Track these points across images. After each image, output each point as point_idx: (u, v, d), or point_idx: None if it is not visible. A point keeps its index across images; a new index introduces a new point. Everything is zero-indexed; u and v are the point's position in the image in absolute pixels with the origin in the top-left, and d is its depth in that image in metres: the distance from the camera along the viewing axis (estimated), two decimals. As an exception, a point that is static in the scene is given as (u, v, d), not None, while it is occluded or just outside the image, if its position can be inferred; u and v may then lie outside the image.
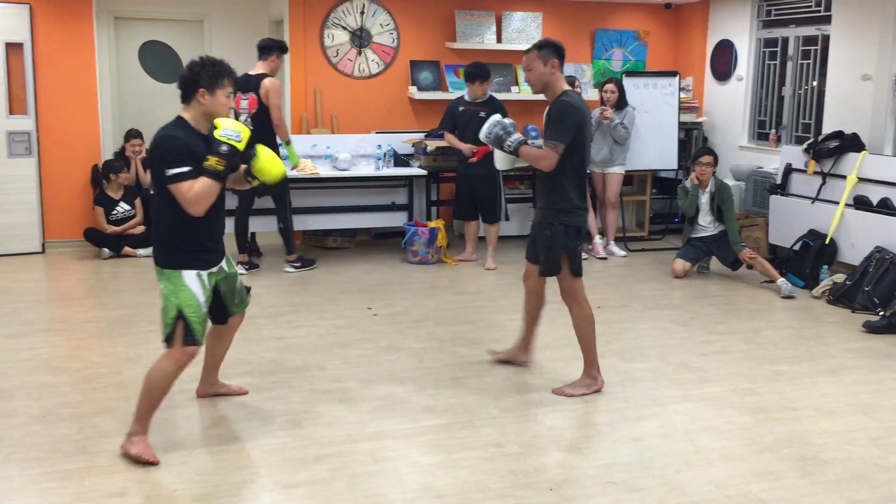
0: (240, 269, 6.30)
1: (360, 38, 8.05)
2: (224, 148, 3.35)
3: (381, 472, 3.40)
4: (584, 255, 7.44)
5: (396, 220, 7.60)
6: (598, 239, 7.64)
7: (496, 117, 4.26)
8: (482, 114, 6.70)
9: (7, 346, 4.91)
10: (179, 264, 3.43)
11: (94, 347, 4.95)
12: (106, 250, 7.23)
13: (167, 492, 3.22)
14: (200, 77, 3.43)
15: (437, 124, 7.93)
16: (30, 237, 7.27)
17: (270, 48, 6.60)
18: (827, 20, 7.38)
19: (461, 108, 6.91)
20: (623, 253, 7.70)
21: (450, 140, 7.02)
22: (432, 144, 7.43)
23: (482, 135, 4.25)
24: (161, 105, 8.40)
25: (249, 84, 6.43)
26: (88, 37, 7.44)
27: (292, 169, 6.69)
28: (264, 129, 6.35)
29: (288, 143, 6.61)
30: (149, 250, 7.32)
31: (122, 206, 7.38)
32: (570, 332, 5.29)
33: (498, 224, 7.17)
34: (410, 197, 7.57)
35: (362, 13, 8.01)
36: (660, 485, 3.34)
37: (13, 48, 7.10)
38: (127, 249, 7.27)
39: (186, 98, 3.45)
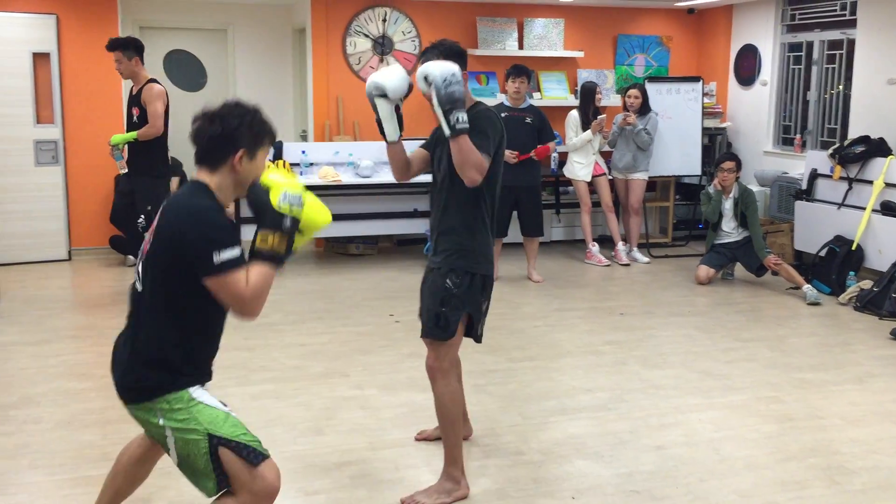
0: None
1: (382, 46, 8.08)
2: (288, 222, 2.40)
3: (403, 480, 3.40)
4: (606, 262, 7.45)
5: (419, 226, 7.61)
6: (620, 245, 7.60)
7: (455, 68, 3.01)
8: (528, 120, 6.67)
9: (33, 352, 4.97)
10: (178, 384, 2.41)
11: (118, 354, 4.99)
12: (131, 258, 7.30)
13: (190, 498, 3.24)
14: (241, 135, 2.41)
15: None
16: (56, 245, 7.36)
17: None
18: (852, 24, 7.31)
19: (504, 115, 6.70)
20: (646, 259, 7.66)
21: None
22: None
23: (433, 70, 2.98)
24: (185, 114, 8.44)
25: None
26: (114, 46, 7.52)
27: (111, 145, 6.07)
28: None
29: (132, 135, 6.00)
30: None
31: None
32: (592, 339, 5.29)
33: (540, 237, 7.03)
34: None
35: (384, 21, 8.04)
36: (683, 494, 3.31)
37: (40, 58, 7.20)
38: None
39: (214, 160, 2.41)
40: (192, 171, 2.49)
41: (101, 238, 7.53)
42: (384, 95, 3.15)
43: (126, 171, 6.01)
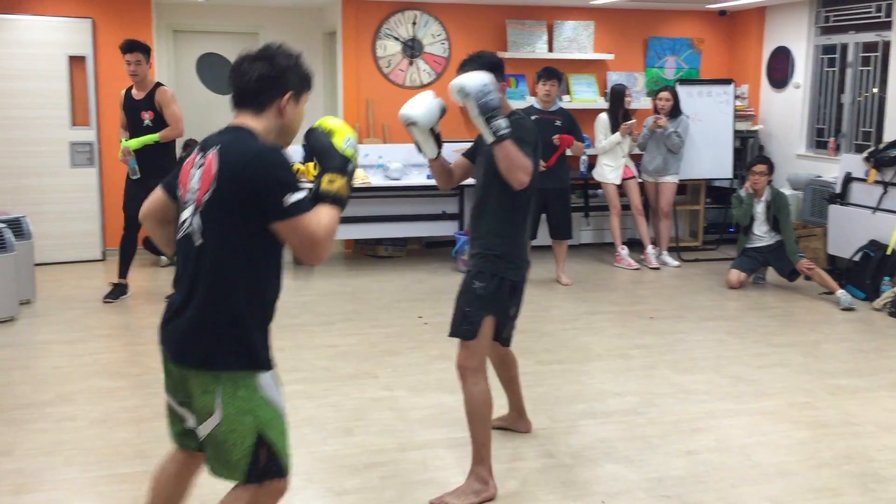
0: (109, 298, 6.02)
1: (412, 49, 8.11)
2: (351, 166, 2.34)
3: (432, 481, 3.41)
4: (636, 265, 7.41)
5: (447, 229, 7.62)
6: (650, 249, 7.55)
7: (489, 77, 3.10)
8: (557, 122, 6.67)
9: (69, 351, 5.05)
10: (254, 363, 2.26)
11: (152, 353, 5.05)
12: (164, 258, 7.39)
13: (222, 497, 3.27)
14: (290, 77, 2.32)
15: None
16: (91, 245, 7.47)
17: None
18: (887, 26, 7.21)
19: (534, 118, 6.58)
20: (676, 263, 7.61)
21: None
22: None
23: (468, 82, 3.04)
24: (218, 115, 8.55)
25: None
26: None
27: (121, 153, 6.15)
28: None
29: (154, 137, 6.08)
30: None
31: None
32: (621, 343, 5.26)
33: (569, 240, 7.02)
34: (461, 206, 7.59)
35: (414, 24, 8.07)
36: (715, 500, 3.29)
37: (76, 61, 7.32)
38: (183, 257, 7.41)
39: (260, 102, 2.30)
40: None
41: (134, 239, 7.63)
42: (415, 124, 3.22)
43: (138, 176, 6.04)
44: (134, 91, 6.09)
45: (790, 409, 4.23)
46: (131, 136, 6.05)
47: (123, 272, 6.28)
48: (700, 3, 8.47)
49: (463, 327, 3.27)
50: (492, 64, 3.26)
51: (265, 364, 2.28)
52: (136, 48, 6.01)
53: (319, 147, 2.35)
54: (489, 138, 3.06)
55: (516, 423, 3.89)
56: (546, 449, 3.72)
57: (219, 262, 2.21)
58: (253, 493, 2.29)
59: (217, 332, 2.22)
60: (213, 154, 2.23)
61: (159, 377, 4.54)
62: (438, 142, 3.35)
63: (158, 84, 6.11)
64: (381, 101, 8.05)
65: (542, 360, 4.92)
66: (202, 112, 8.59)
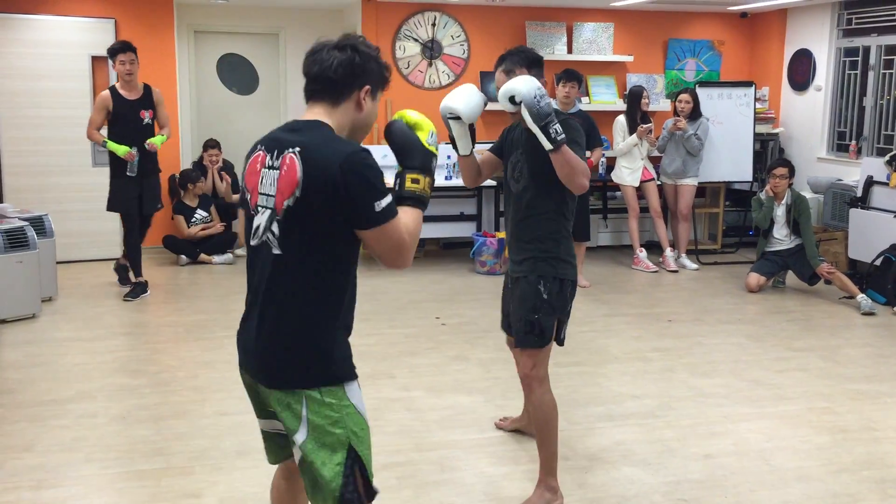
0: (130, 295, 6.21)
1: (431, 50, 8.13)
2: (435, 163, 2.20)
3: (449, 482, 3.41)
4: (654, 268, 7.38)
5: (465, 230, 7.63)
6: (669, 251, 7.52)
7: (538, 82, 2.99)
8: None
9: (89, 348, 5.10)
10: (342, 374, 2.11)
11: (171, 351, 5.09)
12: (183, 257, 7.45)
13: (240, 494, 3.29)
14: (372, 69, 2.14)
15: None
16: (112, 243, 7.53)
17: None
18: (912, 28, 7.15)
19: None
20: (695, 266, 7.57)
21: None
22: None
23: (520, 88, 2.92)
24: (237, 116, 8.63)
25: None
26: (170, 50, 7.70)
27: (147, 147, 6.19)
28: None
29: (164, 134, 6.34)
30: (224, 257, 7.54)
31: (200, 213, 7.60)
32: (639, 345, 5.24)
33: (587, 242, 7.01)
34: (479, 207, 7.59)
35: (433, 25, 8.08)
36: (732, 504, 3.27)
37: (99, 61, 7.38)
38: (203, 256, 7.47)
39: (339, 93, 2.11)
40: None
41: (154, 237, 7.67)
42: (458, 118, 3.10)
43: (135, 173, 6.16)
44: (124, 91, 6.16)
45: (809, 414, 4.20)
46: (128, 136, 6.10)
47: (137, 271, 6.38)
48: (721, 5, 8.43)
49: (533, 336, 3.17)
50: (533, 60, 3.18)
51: (347, 374, 2.12)
52: (130, 48, 6.14)
53: (402, 142, 2.16)
54: (548, 146, 2.94)
55: (531, 425, 3.78)
56: (562, 451, 3.71)
57: (299, 273, 2.04)
58: None
59: (300, 351, 2.06)
60: (292, 156, 2.01)
61: (177, 375, 4.62)
62: (473, 139, 3.25)
63: (146, 84, 6.28)
64: (400, 103, 8.05)
65: (560, 363, 4.90)
66: (222, 112, 8.65)
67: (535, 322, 3.16)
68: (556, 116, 3.02)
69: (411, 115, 2.22)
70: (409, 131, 2.18)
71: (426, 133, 2.18)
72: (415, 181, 2.13)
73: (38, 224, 6.13)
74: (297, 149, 2.02)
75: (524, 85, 2.91)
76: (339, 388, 2.08)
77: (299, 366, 2.06)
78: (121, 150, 6.05)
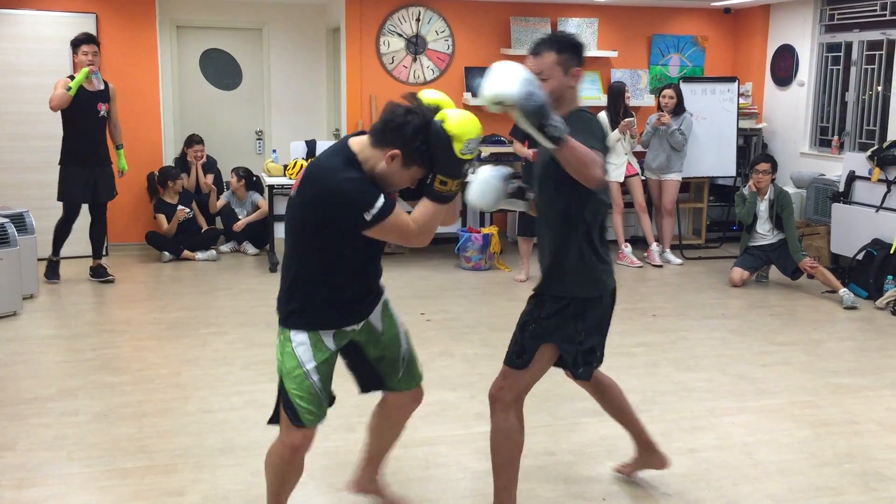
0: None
1: (416, 45, 8.11)
2: (469, 169, 2.49)
3: (434, 478, 3.41)
4: (639, 263, 7.41)
5: (450, 226, 7.60)
6: (654, 246, 7.55)
7: (523, 69, 2.54)
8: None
9: (71, 346, 5.06)
10: (293, 323, 2.64)
11: (154, 349, 5.06)
12: (166, 253, 7.40)
13: (223, 492, 3.28)
14: (408, 140, 2.41)
15: (491, 131, 7.94)
16: (94, 240, 7.46)
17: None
18: (892, 24, 7.19)
19: None
20: (679, 261, 7.60)
21: (518, 150, 6.78)
22: (487, 151, 7.43)
23: (503, 90, 2.45)
24: (221, 111, 8.57)
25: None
26: (152, 45, 7.64)
27: (119, 175, 6.70)
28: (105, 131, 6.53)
29: (119, 147, 6.67)
30: (207, 254, 7.50)
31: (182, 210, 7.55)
32: (624, 340, 5.26)
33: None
34: (464, 203, 7.56)
35: (418, 20, 8.06)
36: (716, 498, 3.29)
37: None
38: (186, 253, 7.43)
39: (379, 140, 2.46)
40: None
41: (138, 234, 7.65)
42: (513, 106, 2.46)
43: (101, 83, 6.38)
44: (83, 82, 6.26)
45: (792, 408, 4.23)
46: (82, 126, 6.30)
47: (98, 254, 6.70)
48: (705, 1, 8.45)
49: (512, 354, 2.91)
50: (564, 44, 2.80)
51: (299, 324, 2.62)
52: (93, 40, 6.35)
53: (438, 149, 2.41)
54: (548, 144, 2.49)
55: (649, 460, 3.36)
56: (547, 447, 3.72)
57: (298, 250, 2.59)
58: (279, 434, 2.71)
59: (281, 296, 2.66)
60: (307, 171, 2.56)
61: (160, 373, 4.59)
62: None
63: (104, 79, 6.46)
64: (385, 98, 7.92)
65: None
66: (205, 108, 8.59)
67: (516, 341, 2.91)
68: (579, 113, 2.78)
69: (451, 122, 2.40)
70: (445, 138, 2.38)
71: (462, 143, 2.39)
72: (443, 183, 2.46)
73: (19, 221, 6.08)
74: (311, 165, 2.58)
75: (507, 83, 2.44)
76: (287, 332, 2.64)
77: (279, 306, 2.68)
78: (82, 73, 6.17)
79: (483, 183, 2.98)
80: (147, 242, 7.50)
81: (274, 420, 2.74)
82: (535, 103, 2.44)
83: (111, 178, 6.58)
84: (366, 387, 2.95)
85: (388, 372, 2.87)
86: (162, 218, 7.46)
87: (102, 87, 6.37)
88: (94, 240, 6.70)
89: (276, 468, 2.73)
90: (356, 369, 2.91)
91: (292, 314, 2.63)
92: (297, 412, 2.63)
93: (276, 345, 2.70)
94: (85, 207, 6.62)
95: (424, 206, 2.49)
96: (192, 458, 3.54)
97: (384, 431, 3.03)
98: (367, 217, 2.39)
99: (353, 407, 4.12)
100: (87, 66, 6.21)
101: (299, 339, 2.62)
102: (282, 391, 2.66)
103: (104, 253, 6.91)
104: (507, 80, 2.48)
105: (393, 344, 2.84)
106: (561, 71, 2.81)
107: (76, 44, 6.31)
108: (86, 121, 6.32)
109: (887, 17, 7.28)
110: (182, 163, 7.87)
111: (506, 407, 2.87)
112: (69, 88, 6.15)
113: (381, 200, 2.40)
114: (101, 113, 6.37)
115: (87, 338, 5.22)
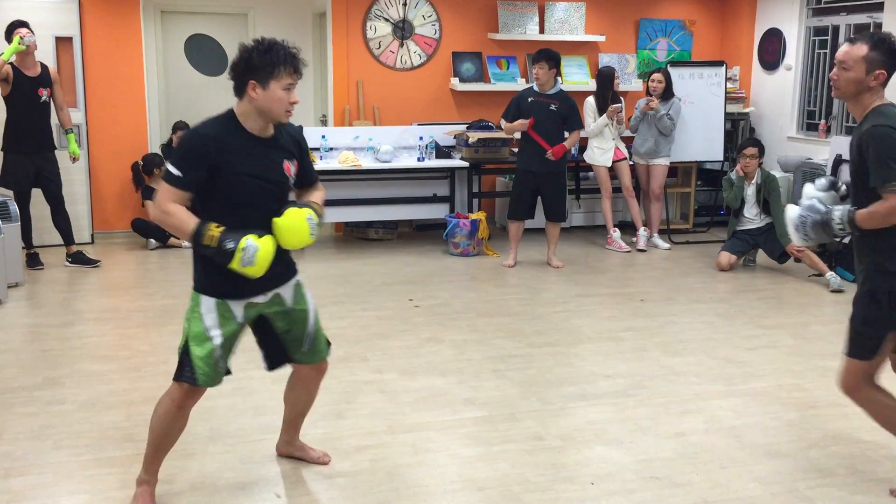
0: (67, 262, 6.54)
1: (403, 30, 8.06)
2: (229, 251, 2.73)
3: (422, 464, 3.41)
4: (627, 248, 7.41)
5: (438, 211, 7.60)
6: (641, 231, 7.56)
7: (794, 211, 3.14)
8: (553, 107, 6.56)
9: (57, 334, 5.02)
10: (201, 286, 2.90)
11: (141, 336, 5.04)
12: (153, 241, 7.35)
13: (212, 480, 3.27)
14: (251, 65, 2.80)
15: (479, 116, 7.92)
16: (79, 228, 7.39)
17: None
18: (879, 7, 7.19)
19: (530, 100, 6.53)
20: (667, 245, 7.61)
21: (508, 128, 6.66)
22: (474, 136, 7.41)
23: (795, 235, 3.17)
24: (206, 97, 8.51)
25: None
26: (136, 30, 7.55)
27: (72, 161, 6.68)
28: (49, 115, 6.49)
29: (69, 131, 6.60)
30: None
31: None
32: (612, 325, 5.27)
33: (562, 223, 7.00)
34: (452, 189, 7.57)
35: (405, 5, 8.01)
36: (703, 480, 3.30)
37: (63, 42, 7.23)
38: (173, 240, 7.38)
39: (238, 90, 2.85)
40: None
41: (124, 221, 7.59)
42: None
43: (27, 44, 6.23)
44: (22, 68, 6.24)
45: (779, 391, 4.25)
46: (25, 112, 6.26)
47: (68, 240, 6.67)
48: (692, -15, 8.43)
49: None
50: (889, 48, 3.06)
51: (205, 288, 2.88)
52: (26, 24, 6.26)
53: (206, 249, 2.78)
54: (847, 229, 3.03)
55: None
56: (535, 431, 3.73)
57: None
58: (170, 387, 2.97)
59: (194, 266, 2.94)
60: None
61: (147, 361, 4.57)
62: None
63: (43, 63, 6.42)
64: (372, 83, 8.00)
65: (533, 343, 4.92)
66: (191, 94, 8.53)
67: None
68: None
69: (273, 234, 2.85)
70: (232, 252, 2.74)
71: (238, 259, 2.73)
72: (209, 227, 2.75)
73: (3, 209, 6.02)
74: None
75: (797, 235, 3.13)
76: (196, 296, 2.90)
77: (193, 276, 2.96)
78: (14, 41, 6.09)
79: (810, 210, 3.16)
80: (133, 230, 7.45)
81: (175, 376, 2.94)
82: (815, 237, 3.07)
83: (55, 165, 6.49)
84: (273, 363, 3.18)
85: (293, 345, 3.10)
86: (151, 204, 7.41)
87: (40, 70, 6.29)
88: (59, 227, 6.64)
89: (161, 420, 2.97)
90: (264, 343, 3.13)
91: (198, 280, 2.90)
92: (195, 373, 2.87)
93: (186, 308, 2.91)
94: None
95: (180, 212, 2.77)
96: (180, 446, 3.51)
97: (295, 400, 3.31)
98: (165, 166, 2.88)
99: (340, 394, 4.13)
100: (20, 36, 6.08)
101: (207, 304, 2.87)
102: (186, 351, 2.88)
103: (90, 241, 6.87)
104: (794, 232, 3.14)
105: (300, 319, 3.07)
106: (864, 67, 3.02)
107: (11, 28, 6.21)
108: (26, 106, 6.25)
109: (874, 1, 7.28)
110: (169, 149, 7.81)
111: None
112: (2, 54, 6.06)
113: (178, 172, 2.73)
114: (43, 98, 6.30)
115: (74, 326, 5.19)
